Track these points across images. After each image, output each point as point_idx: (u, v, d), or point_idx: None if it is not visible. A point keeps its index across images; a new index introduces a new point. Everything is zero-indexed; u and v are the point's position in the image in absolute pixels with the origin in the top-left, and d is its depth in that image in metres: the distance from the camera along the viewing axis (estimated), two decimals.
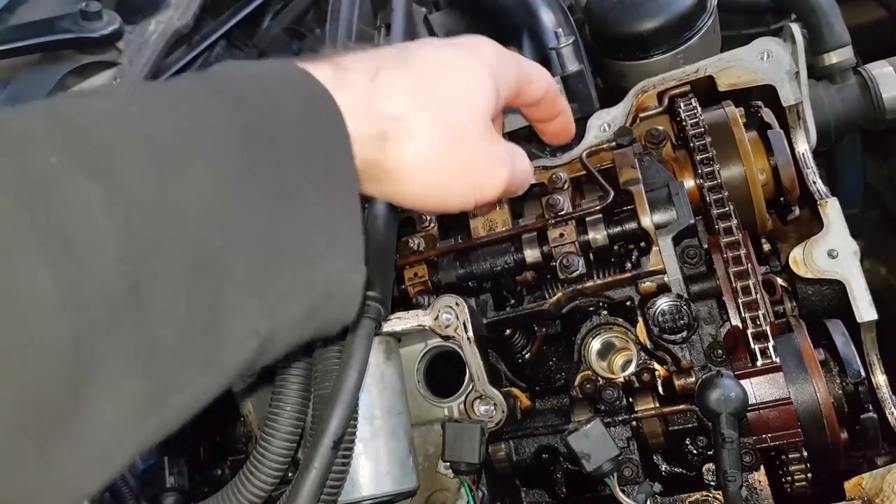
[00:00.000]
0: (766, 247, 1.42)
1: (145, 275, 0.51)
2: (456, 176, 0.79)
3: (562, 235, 1.26)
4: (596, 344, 1.33)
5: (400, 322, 1.20)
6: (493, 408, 1.27)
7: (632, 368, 1.28)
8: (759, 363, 1.12)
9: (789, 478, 1.15)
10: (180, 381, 0.55)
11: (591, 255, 1.29)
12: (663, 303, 1.17)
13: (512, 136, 1.53)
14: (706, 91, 1.39)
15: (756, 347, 1.13)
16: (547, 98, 0.96)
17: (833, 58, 1.58)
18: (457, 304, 1.18)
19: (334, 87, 0.69)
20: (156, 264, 0.51)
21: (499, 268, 1.31)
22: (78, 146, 0.51)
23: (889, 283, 2.34)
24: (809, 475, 1.14)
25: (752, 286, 1.15)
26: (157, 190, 0.53)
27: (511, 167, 0.82)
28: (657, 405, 1.22)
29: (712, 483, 1.20)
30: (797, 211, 1.34)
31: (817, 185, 1.28)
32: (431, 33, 1.82)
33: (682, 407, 1.19)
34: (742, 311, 1.15)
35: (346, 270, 0.68)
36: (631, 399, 1.24)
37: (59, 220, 0.48)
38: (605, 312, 1.34)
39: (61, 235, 0.47)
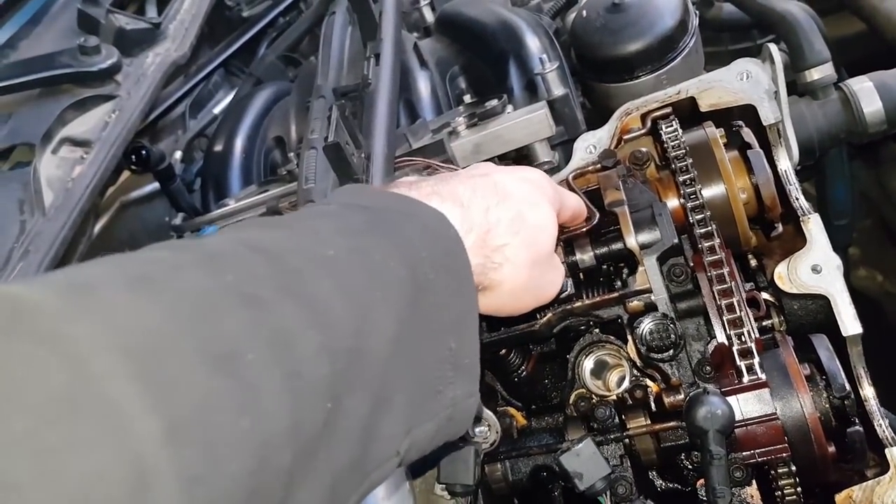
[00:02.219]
0: (753, 263, 1.44)
1: (338, 409, 0.58)
2: (531, 291, 0.99)
3: None
4: (589, 363, 1.35)
5: None
6: (487, 429, 1.30)
7: (625, 385, 1.30)
8: (745, 380, 1.14)
9: (780, 492, 1.16)
10: (343, 499, 0.62)
11: (580, 275, 1.31)
12: (649, 322, 1.19)
13: (503, 159, 1.56)
14: (689, 111, 1.42)
15: (742, 364, 1.15)
16: (576, 218, 1.20)
17: (814, 74, 1.61)
18: None
19: (464, 231, 0.83)
20: (347, 401, 0.59)
21: None
22: (295, 289, 0.59)
23: (885, 291, 2.35)
24: (799, 489, 1.15)
25: (736, 303, 1.17)
26: (354, 333, 0.61)
27: (558, 285, 1.08)
28: (648, 422, 1.24)
29: (706, 499, 1.21)
30: (780, 227, 1.36)
31: (800, 201, 1.31)
32: (421, 60, 1.86)
33: (672, 424, 1.21)
34: (727, 328, 1.17)
35: (466, 396, 0.77)
36: (623, 417, 1.26)
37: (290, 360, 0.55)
38: (596, 330, 1.36)
39: (291, 370, 0.55)
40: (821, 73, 1.61)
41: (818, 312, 1.26)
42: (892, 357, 1.45)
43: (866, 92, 1.57)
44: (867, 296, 2.42)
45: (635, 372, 1.30)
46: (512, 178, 0.96)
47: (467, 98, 1.66)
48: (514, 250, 0.90)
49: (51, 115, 1.73)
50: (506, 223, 0.89)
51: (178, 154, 2.19)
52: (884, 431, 1.18)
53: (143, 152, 1.83)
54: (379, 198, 0.81)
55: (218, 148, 2.05)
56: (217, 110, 2.43)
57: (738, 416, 1.11)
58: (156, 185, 2.05)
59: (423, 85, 1.78)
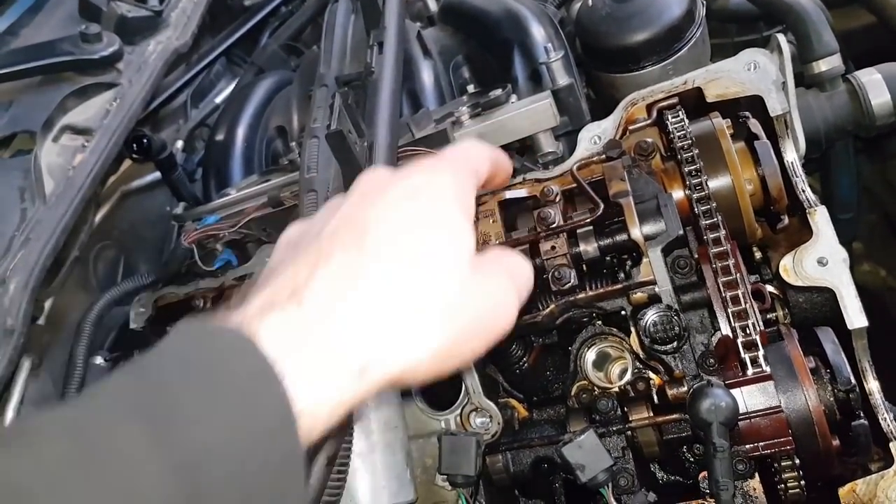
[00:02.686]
0: (758, 255, 1.43)
1: None
2: (463, 342, 0.68)
3: (553, 248, 1.28)
4: (591, 354, 1.34)
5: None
6: (489, 420, 1.29)
7: (627, 377, 1.29)
8: (749, 372, 1.14)
9: (783, 485, 1.15)
10: None
11: (583, 266, 1.30)
12: (653, 314, 1.18)
13: (506, 149, 1.55)
14: (695, 102, 1.40)
15: (746, 356, 1.14)
16: (498, 171, 0.85)
17: (822, 66, 1.60)
18: None
19: (300, 353, 0.59)
20: None
21: None
22: None
23: (889, 286, 2.34)
24: (803, 482, 1.15)
25: (741, 296, 1.16)
26: None
27: (515, 291, 0.72)
28: (651, 415, 1.23)
29: (708, 491, 1.21)
30: (786, 220, 1.35)
31: (806, 193, 1.29)
32: (425, 50, 1.84)
33: (675, 416, 1.20)
34: (732, 320, 1.16)
35: None
36: (625, 409, 1.26)
37: None
38: (599, 323, 1.35)
39: None
40: (828, 64, 1.60)
41: (823, 305, 1.25)
42: (895, 352, 1.44)
43: (875, 84, 1.56)
44: (870, 291, 2.40)
45: (637, 364, 1.29)
46: (382, 206, 0.68)
47: (471, 88, 1.64)
48: (410, 311, 0.63)
49: (52, 103, 1.72)
50: (379, 282, 0.63)
51: (180, 143, 2.18)
52: (888, 425, 1.17)
53: (145, 141, 1.82)
54: (175, 366, 0.56)
55: (219, 137, 2.04)
56: (219, 100, 2.42)
57: (741, 409, 1.10)
58: (157, 175, 2.04)
59: (426, 74, 1.77)
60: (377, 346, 0.62)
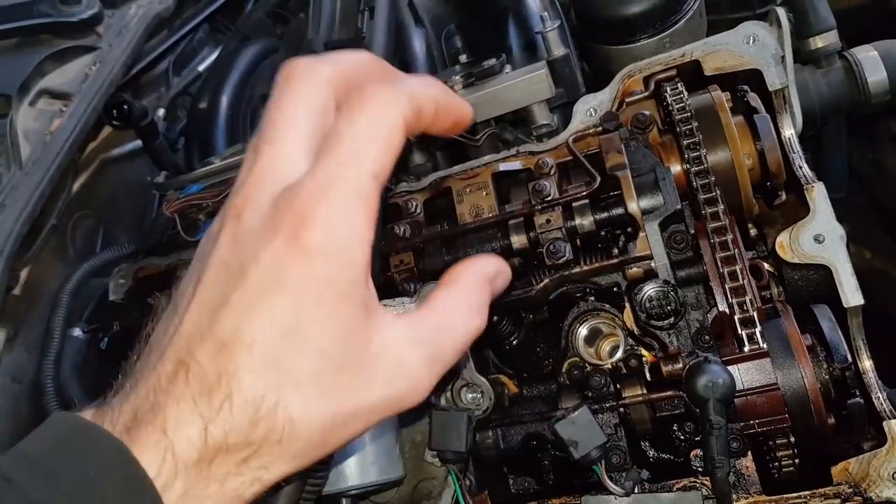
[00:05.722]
0: (753, 232, 1.41)
1: None
2: (356, 415, 0.59)
3: (548, 221, 1.25)
4: (583, 330, 1.32)
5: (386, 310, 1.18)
6: (480, 395, 1.27)
7: (619, 354, 1.27)
8: (746, 349, 1.12)
9: (777, 463, 1.15)
10: None
11: (578, 240, 1.28)
12: (650, 288, 1.16)
13: (499, 121, 1.52)
14: (692, 75, 1.38)
15: (743, 333, 1.13)
16: (425, 114, 0.66)
17: (818, 42, 1.57)
18: None
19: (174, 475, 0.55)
20: None
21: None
22: None
23: (874, 267, 2.35)
24: (797, 460, 1.14)
25: (738, 271, 1.14)
26: None
27: (429, 351, 0.62)
28: (644, 391, 1.21)
29: (700, 469, 1.20)
30: (784, 196, 1.33)
31: (804, 169, 1.28)
32: (416, 17, 1.80)
33: (669, 393, 1.18)
34: (729, 296, 1.14)
35: None
36: (618, 385, 1.24)
37: None
38: (592, 299, 1.33)
39: None
40: (825, 40, 1.57)
41: (819, 283, 1.23)
42: (881, 333, 1.43)
43: (871, 61, 1.54)
44: (856, 272, 2.41)
45: (630, 341, 1.27)
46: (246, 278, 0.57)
47: (463, 58, 1.61)
48: (290, 397, 0.56)
49: (28, 66, 1.66)
50: (260, 357, 0.56)
51: (161, 112, 2.12)
52: (881, 404, 1.16)
53: (125, 107, 1.76)
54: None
55: (202, 105, 1.99)
56: (202, 68, 2.36)
57: (738, 386, 1.09)
58: (137, 144, 1.98)
59: (417, 43, 1.73)
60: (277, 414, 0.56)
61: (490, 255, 0.73)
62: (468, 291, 0.68)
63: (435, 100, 0.66)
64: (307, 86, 0.63)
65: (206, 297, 0.59)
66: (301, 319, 0.56)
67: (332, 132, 0.61)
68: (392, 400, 0.61)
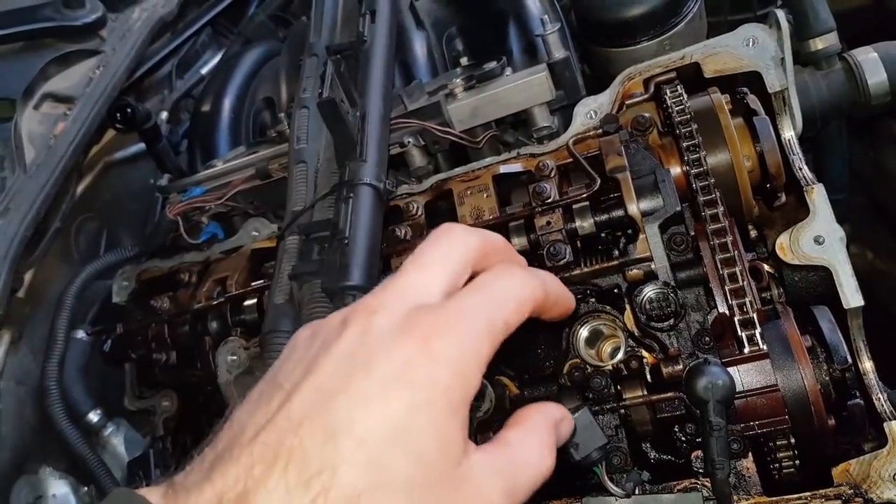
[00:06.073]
0: (753, 233, 1.42)
1: None
2: None
3: (549, 223, 1.26)
4: (584, 332, 1.33)
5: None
6: (481, 397, 1.27)
7: (620, 356, 1.28)
8: (746, 350, 1.12)
9: (777, 464, 1.15)
10: None
11: (578, 242, 1.28)
12: (650, 290, 1.17)
13: (500, 123, 1.52)
14: (692, 77, 1.38)
15: (743, 334, 1.13)
16: (549, 301, 0.75)
17: (818, 43, 1.58)
18: None
19: None
20: None
21: None
22: None
23: (875, 268, 2.35)
24: (797, 462, 1.14)
25: (738, 273, 1.15)
26: None
27: (507, 484, 0.64)
28: (645, 393, 1.22)
29: (700, 470, 1.20)
30: (783, 197, 1.33)
31: (803, 171, 1.28)
32: (417, 21, 1.81)
33: (669, 394, 1.19)
34: (729, 298, 1.15)
35: None
36: (619, 387, 1.24)
37: None
38: (592, 300, 1.34)
39: None
40: (825, 42, 1.57)
41: (819, 284, 1.23)
42: (881, 334, 1.43)
43: (871, 63, 1.54)
44: (857, 274, 2.41)
45: (631, 342, 1.28)
46: (357, 396, 0.59)
47: (464, 60, 1.61)
48: None
49: (32, 70, 1.68)
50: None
51: (164, 114, 2.13)
52: (882, 405, 1.16)
53: (129, 110, 1.77)
54: None
55: (205, 108, 2.00)
56: (204, 71, 2.37)
57: (738, 387, 1.09)
58: (140, 147, 1.99)
59: (418, 46, 1.74)
60: None
61: (553, 403, 0.78)
62: (539, 432, 0.72)
63: (557, 293, 0.77)
64: (460, 242, 0.72)
65: (322, 382, 0.60)
66: (413, 420, 0.58)
67: (482, 279, 0.70)
68: None
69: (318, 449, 0.55)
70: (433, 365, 0.60)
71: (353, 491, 0.55)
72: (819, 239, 1.21)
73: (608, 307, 1.32)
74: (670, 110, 1.29)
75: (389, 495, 0.56)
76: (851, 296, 1.17)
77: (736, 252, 1.16)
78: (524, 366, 1.43)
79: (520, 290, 0.70)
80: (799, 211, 1.27)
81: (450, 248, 0.71)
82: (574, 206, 1.26)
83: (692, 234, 1.23)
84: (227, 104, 1.97)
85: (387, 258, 1.36)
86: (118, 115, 1.78)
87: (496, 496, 0.63)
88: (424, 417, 0.58)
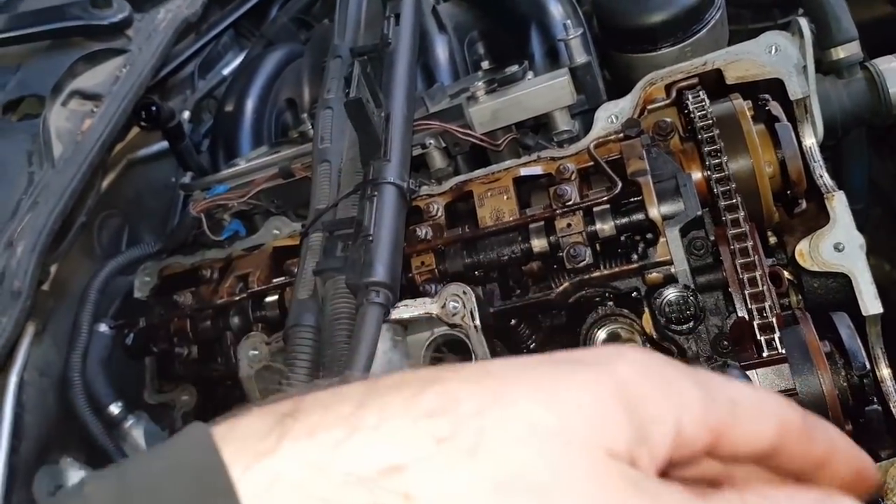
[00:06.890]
0: (773, 240, 1.42)
1: None
2: None
3: (569, 225, 1.27)
4: (601, 335, 1.34)
5: (407, 310, 1.20)
6: None
7: None
8: (764, 354, 1.13)
9: None
10: None
11: (598, 245, 1.29)
12: (671, 293, 1.18)
13: (520, 127, 1.54)
14: (714, 84, 1.39)
15: (762, 339, 1.13)
16: (789, 441, 0.52)
17: (840, 52, 1.58)
18: (464, 292, 1.19)
19: None
20: None
21: (506, 257, 1.32)
22: None
23: (892, 279, 2.34)
24: None
25: (758, 278, 1.15)
26: None
27: None
28: None
29: None
30: (804, 204, 1.34)
31: (824, 178, 1.29)
32: (440, 24, 1.82)
33: None
34: (748, 302, 1.15)
35: None
36: None
37: None
38: (610, 303, 1.35)
39: None
40: (847, 51, 1.57)
41: (838, 291, 1.24)
42: None
43: (893, 72, 1.54)
44: (876, 284, 2.40)
45: (648, 346, 1.28)
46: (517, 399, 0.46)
47: (486, 64, 1.63)
48: None
49: (61, 68, 1.70)
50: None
51: (187, 114, 2.16)
52: None
53: (154, 108, 1.80)
54: None
55: (229, 108, 2.02)
56: (226, 72, 2.40)
57: None
58: (163, 145, 2.02)
59: (440, 49, 1.75)
60: None
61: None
62: None
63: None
64: None
65: None
66: None
67: None
68: None
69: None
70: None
71: None
72: (839, 246, 1.22)
73: (626, 310, 1.32)
74: (692, 115, 1.29)
75: None
76: (871, 303, 1.18)
77: (756, 257, 1.17)
78: None
79: None
80: (819, 218, 1.27)
81: None
82: (595, 209, 1.27)
83: (712, 238, 1.23)
84: (249, 105, 1.99)
85: (407, 258, 1.37)
86: (143, 113, 1.81)
87: None
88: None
